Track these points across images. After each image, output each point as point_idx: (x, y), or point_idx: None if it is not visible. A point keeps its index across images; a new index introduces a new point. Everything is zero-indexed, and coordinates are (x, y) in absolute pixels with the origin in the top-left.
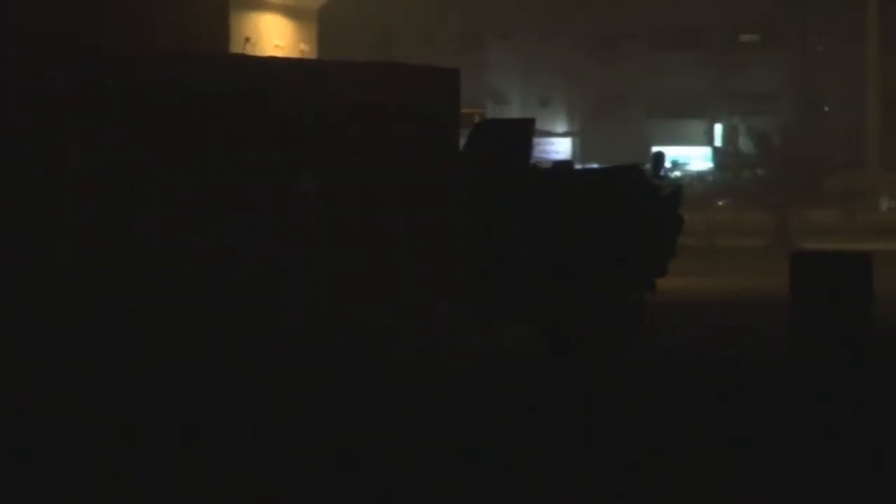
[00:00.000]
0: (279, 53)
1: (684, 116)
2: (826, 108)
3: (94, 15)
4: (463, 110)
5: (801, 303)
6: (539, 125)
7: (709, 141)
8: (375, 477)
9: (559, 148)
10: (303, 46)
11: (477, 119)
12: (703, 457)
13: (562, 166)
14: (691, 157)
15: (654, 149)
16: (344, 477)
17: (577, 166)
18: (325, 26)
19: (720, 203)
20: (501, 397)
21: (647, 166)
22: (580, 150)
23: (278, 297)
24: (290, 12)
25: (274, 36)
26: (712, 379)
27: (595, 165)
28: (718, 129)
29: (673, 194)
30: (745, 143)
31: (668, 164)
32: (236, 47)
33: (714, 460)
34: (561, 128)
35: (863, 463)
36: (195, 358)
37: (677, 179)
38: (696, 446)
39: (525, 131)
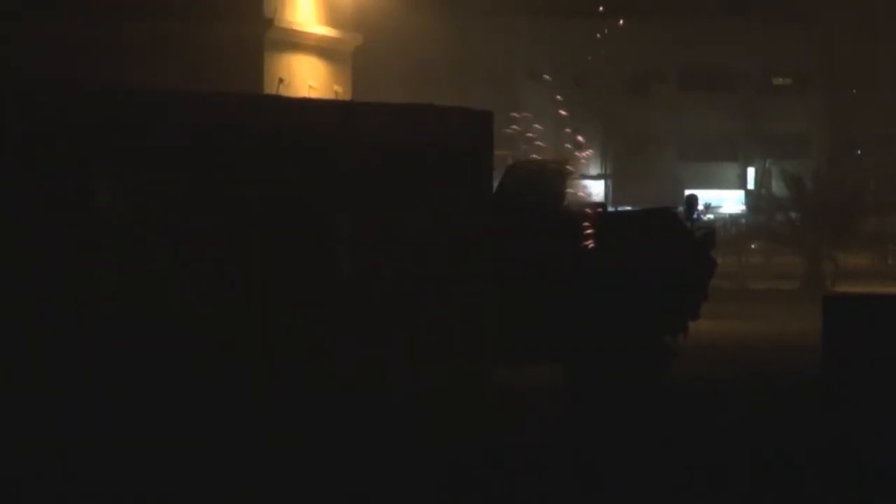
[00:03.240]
0: (313, 94)
1: (717, 159)
2: (859, 152)
3: (128, 55)
4: (496, 152)
5: (833, 346)
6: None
7: (741, 184)
8: None
9: (592, 190)
10: (337, 87)
11: (510, 161)
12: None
13: (595, 209)
14: (724, 200)
15: (687, 191)
16: None
17: (610, 209)
18: (358, 67)
19: (753, 246)
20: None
21: (680, 209)
22: (613, 192)
23: (311, 336)
24: (324, 53)
25: (308, 77)
26: (737, 414)
27: (628, 208)
28: (751, 172)
29: (705, 237)
30: (778, 186)
31: (700, 207)
32: (270, 88)
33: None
34: (594, 170)
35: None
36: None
37: (710, 222)
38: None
39: (558, 173)
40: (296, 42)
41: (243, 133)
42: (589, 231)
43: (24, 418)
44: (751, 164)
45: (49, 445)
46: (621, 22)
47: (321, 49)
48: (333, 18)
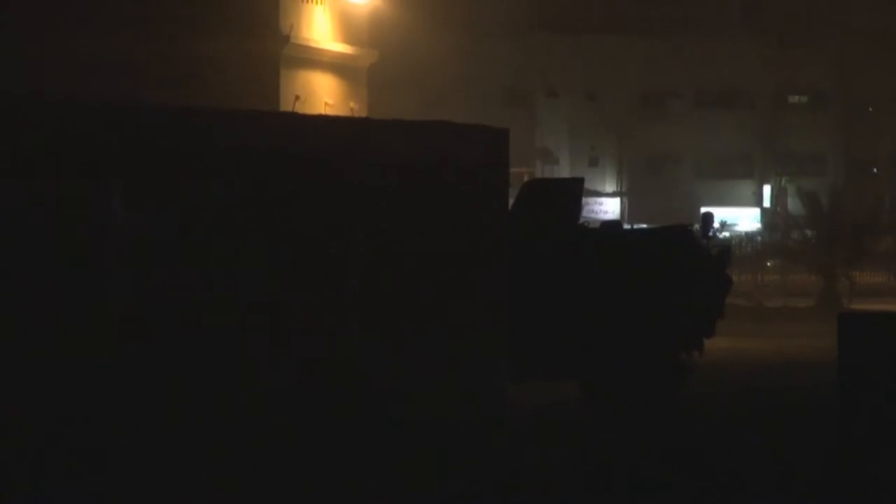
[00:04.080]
0: (329, 111)
1: (732, 177)
2: (875, 170)
3: (145, 72)
4: (512, 169)
5: (849, 363)
6: (587, 184)
7: (757, 201)
8: None
9: (608, 207)
10: (352, 104)
11: (526, 178)
12: None
13: (610, 226)
14: (739, 218)
15: (703, 209)
16: None
17: (626, 226)
18: (374, 84)
19: (769, 264)
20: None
21: (696, 227)
22: (628, 209)
23: (326, 351)
24: (340, 70)
25: (324, 94)
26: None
27: (643, 226)
28: (767, 189)
29: (721, 254)
30: (793, 204)
31: (716, 225)
32: (286, 104)
33: None
34: (609, 187)
35: None
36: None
37: (725, 240)
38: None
39: (574, 191)
40: (312, 59)
41: (258, 150)
42: (602, 248)
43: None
44: (766, 182)
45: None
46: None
47: (337, 65)
48: (349, 35)
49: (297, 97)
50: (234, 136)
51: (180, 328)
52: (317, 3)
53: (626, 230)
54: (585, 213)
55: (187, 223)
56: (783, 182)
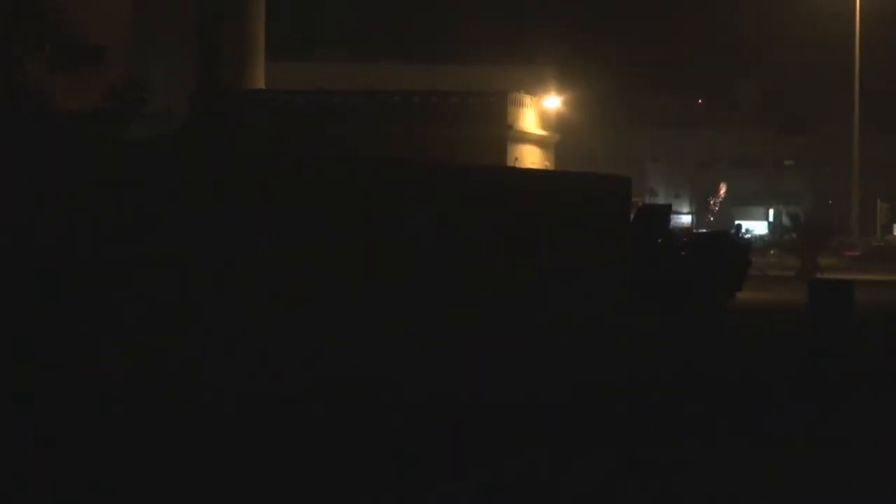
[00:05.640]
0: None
1: (752, 204)
2: (830, 202)
3: (411, 149)
4: (634, 199)
5: (816, 307)
6: (674, 207)
7: (765, 217)
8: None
9: (684, 220)
10: (546, 163)
11: (639, 203)
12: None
13: (657, 210)
14: (756, 227)
15: (736, 221)
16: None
17: (695, 230)
18: (558, 152)
19: (771, 252)
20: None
21: (733, 231)
22: (696, 222)
23: (529, 297)
24: (539, 144)
25: (530, 158)
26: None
27: (704, 230)
28: (771, 212)
29: (746, 246)
30: (785, 220)
31: (744, 230)
32: (509, 164)
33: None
34: (685, 209)
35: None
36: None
37: (748, 239)
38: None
39: (665, 211)
40: (523, 138)
41: (520, 190)
42: (684, 242)
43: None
44: (770, 207)
45: None
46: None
47: (537, 142)
48: (545, 124)
49: (516, 159)
50: (515, 182)
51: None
52: (526, 106)
53: (696, 232)
54: (673, 222)
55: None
56: (780, 208)
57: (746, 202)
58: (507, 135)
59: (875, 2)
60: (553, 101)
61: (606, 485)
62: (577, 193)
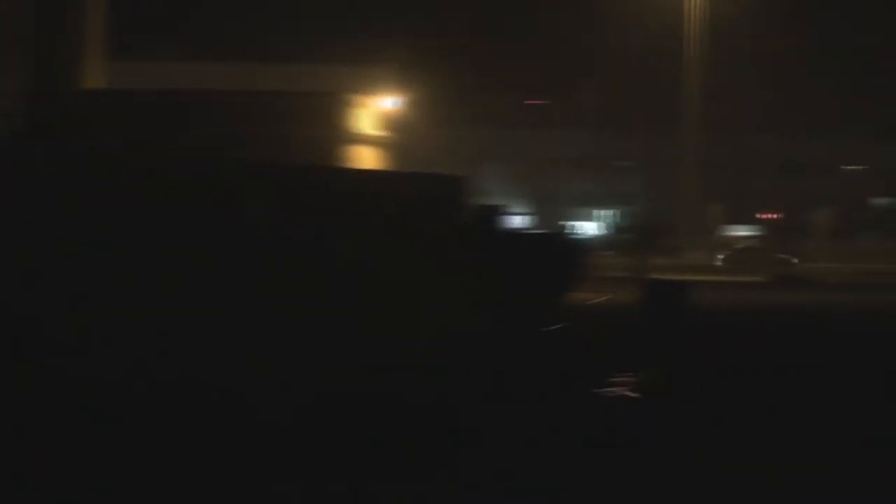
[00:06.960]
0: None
1: (588, 205)
2: (653, 202)
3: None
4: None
5: (650, 302)
6: (512, 206)
7: (597, 219)
8: None
9: (518, 221)
10: (384, 165)
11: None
12: None
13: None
14: (588, 228)
15: (566, 222)
16: None
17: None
18: (398, 153)
19: (609, 253)
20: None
21: (565, 231)
22: (533, 223)
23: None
24: (376, 144)
25: (366, 159)
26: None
27: (536, 230)
28: (602, 213)
29: (581, 247)
30: (621, 220)
31: (574, 230)
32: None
33: None
34: (521, 209)
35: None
36: None
37: (583, 239)
38: None
39: (498, 210)
40: (357, 139)
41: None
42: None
43: None
44: (605, 209)
45: None
46: None
47: (374, 143)
48: (382, 125)
49: (349, 160)
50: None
51: None
52: (361, 106)
53: (528, 232)
54: (507, 222)
55: None
56: (616, 210)
57: (584, 203)
58: (336, 135)
59: (715, 4)
60: (393, 102)
61: None
62: (404, 194)
